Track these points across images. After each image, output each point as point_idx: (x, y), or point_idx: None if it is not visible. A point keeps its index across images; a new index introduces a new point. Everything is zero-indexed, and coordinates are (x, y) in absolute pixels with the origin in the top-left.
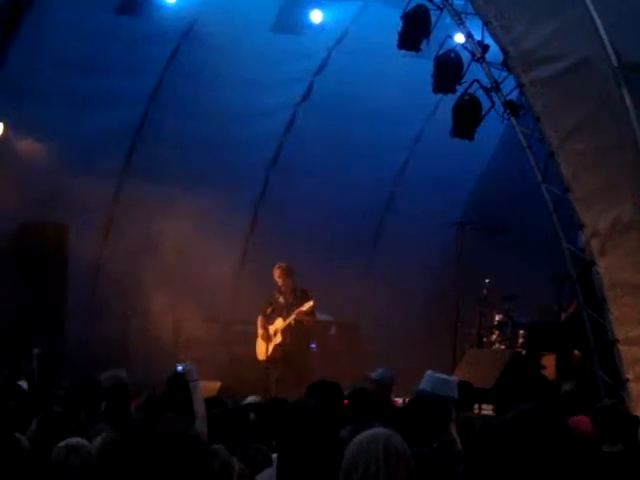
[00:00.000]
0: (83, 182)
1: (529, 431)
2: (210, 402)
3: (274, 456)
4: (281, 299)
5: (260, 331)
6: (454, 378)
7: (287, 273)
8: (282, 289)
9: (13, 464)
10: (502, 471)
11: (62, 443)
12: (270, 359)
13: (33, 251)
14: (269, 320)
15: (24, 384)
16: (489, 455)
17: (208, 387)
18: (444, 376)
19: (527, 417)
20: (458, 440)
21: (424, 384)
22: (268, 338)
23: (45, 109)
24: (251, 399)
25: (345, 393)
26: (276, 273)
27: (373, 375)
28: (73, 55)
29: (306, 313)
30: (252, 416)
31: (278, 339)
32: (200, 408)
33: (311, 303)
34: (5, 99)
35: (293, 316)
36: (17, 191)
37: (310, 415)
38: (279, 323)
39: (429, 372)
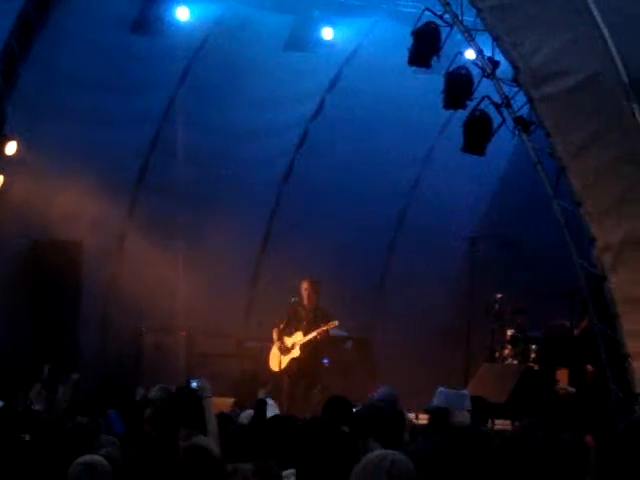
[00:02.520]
0: (97, 199)
1: (528, 446)
2: (223, 418)
3: (284, 473)
4: (302, 313)
5: (277, 343)
6: (465, 391)
7: (315, 289)
8: (305, 303)
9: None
10: None
11: (79, 460)
12: (284, 372)
13: (47, 268)
14: (287, 333)
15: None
16: (491, 469)
17: (222, 403)
18: (455, 390)
19: (527, 432)
20: None
21: (437, 400)
22: (286, 351)
23: (58, 126)
24: (247, 414)
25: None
26: (304, 286)
27: (376, 396)
28: (86, 73)
29: (326, 332)
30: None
31: (296, 353)
32: (212, 424)
33: (336, 323)
34: (19, 117)
35: (315, 333)
36: (31, 208)
37: (331, 433)
38: (299, 337)
39: (440, 389)
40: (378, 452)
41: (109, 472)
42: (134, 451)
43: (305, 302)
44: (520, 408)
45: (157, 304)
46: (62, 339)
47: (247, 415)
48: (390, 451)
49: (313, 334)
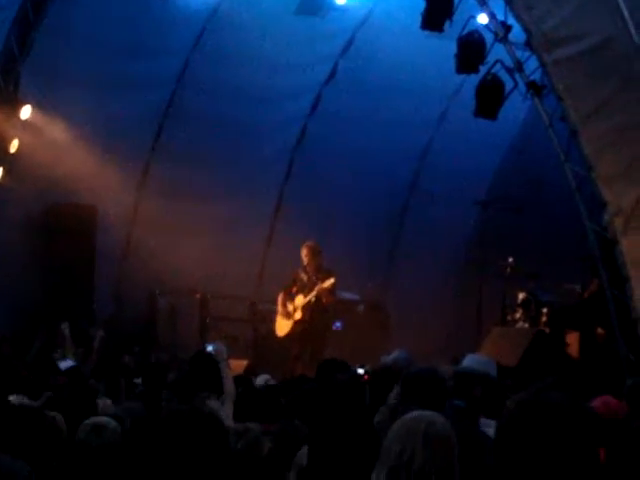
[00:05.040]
0: (111, 164)
1: (544, 407)
2: (237, 380)
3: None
4: (305, 277)
5: (280, 308)
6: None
7: (314, 252)
8: (307, 268)
9: (51, 442)
10: (519, 447)
11: (88, 421)
12: (289, 336)
13: (62, 231)
14: (291, 298)
15: (66, 363)
16: (507, 432)
17: (235, 365)
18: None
19: (543, 393)
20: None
21: (467, 362)
22: (288, 315)
23: (73, 92)
24: (262, 378)
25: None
26: (303, 251)
27: (387, 359)
28: (100, 38)
29: (327, 290)
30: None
31: (298, 316)
32: (230, 387)
33: (332, 280)
34: (33, 82)
35: (314, 293)
36: (45, 173)
37: (341, 393)
38: (299, 300)
39: (470, 354)
40: (416, 413)
41: (118, 432)
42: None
43: (307, 266)
44: (531, 371)
45: (171, 267)
46: (76, 302)
47: (262, 379)
48: (427, 412)
49: (312, 294)
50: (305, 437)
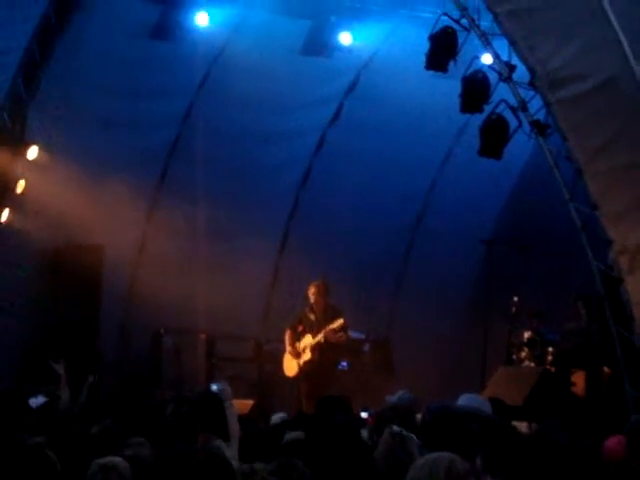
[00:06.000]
0: (117, 203)
1: (547, 447)
2: (243, 421)
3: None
4: (312, 316)
5: (288, 348)
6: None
7: (322, 291)
8: (314, 307)
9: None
10: None
11: (97, 461)
12: (299, 376)
13: (69, 272)
14: (297, 336)
15: (37, 400)
16: (511, 469)
17: (241, 405)
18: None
19: (547, 433)
20: None
21: (462, 401)
22: (297, 355)
23: (79, 131)
24: (278, 417)
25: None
26: (311, 290)
27: (391, 399)
28: (106, 79)
29: (336, 330)
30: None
31: (307, 356)
32: (235, 428)
33: (341, 321)
34: (40, 122)
35: (323, 334)
36: (52, 213)
37: (341, 431)
38: (308, 340)
39: (464, 394)
40: (436, 454)
41: (127, 473)
42: (159, 450)
43: (314, 305)
44: (537, 410)
45: (176, 307)
46: (82, 342)
47: (278, 418)
48: (446, 453)
49: (320, 336)
50: (302, 475)
